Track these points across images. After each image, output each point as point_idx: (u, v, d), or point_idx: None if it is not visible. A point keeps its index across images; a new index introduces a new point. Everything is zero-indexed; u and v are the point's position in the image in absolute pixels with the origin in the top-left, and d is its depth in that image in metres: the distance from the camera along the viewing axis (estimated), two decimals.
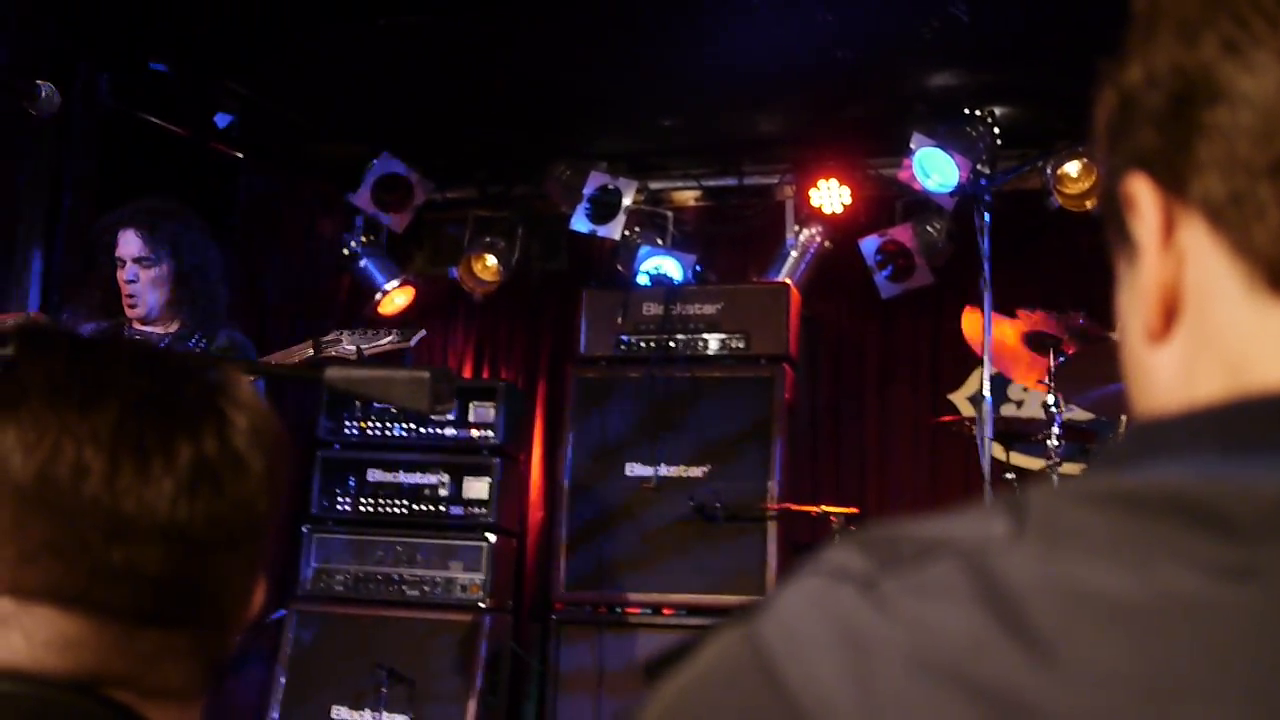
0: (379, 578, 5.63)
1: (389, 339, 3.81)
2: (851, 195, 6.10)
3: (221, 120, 5.81)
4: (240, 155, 6.33)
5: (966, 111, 5.62)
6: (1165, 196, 0.64)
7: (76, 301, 4.29)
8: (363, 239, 6.68)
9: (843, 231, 6.17)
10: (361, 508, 5.77)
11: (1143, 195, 0.65)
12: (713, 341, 5.65)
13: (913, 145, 5.56)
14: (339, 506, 5.78)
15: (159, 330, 4.15)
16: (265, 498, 1.03)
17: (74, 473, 0.95)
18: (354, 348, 3.78)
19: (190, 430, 0.99)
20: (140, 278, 4.08)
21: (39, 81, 3.02)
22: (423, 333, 3.96)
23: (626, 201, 6.21)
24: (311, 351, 3.87)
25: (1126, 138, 0.66)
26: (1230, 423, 0.59)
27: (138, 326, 4.16)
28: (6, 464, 0.96)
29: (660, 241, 6.34)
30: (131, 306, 4.11)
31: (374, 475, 5.81)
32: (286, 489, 1.10)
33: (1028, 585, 0.53)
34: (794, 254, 6.22)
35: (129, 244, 4.09)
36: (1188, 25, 0.63)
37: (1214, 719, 0.49)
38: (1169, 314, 0.64)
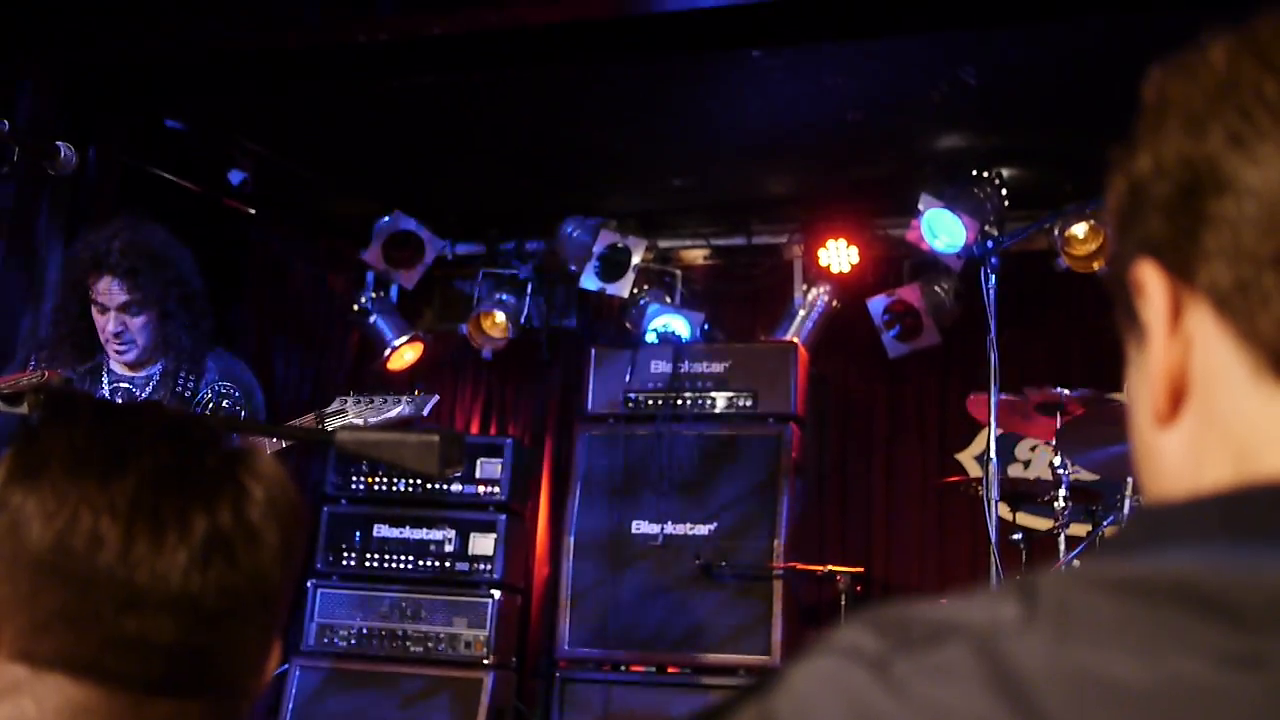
0: (383, 633, 5.60)
1: (398, 409, 3.52)
2: (859, 255, 6.13)
3: (235, 177, 5.84)
4: (253, 211, 6.38)
5: (974, 173, 5.66)
6: (1173, 283, 0.65)
7: (49, 345, 3.90)
8: (373, 295, 6.71)
9: (850, 291, 6.20)
10: (367, 563, 5.75)
11: (1151, 281, 0.66)
12: (720, 400, 5.65)
13: (921, 206, 5.60)
14: (344, 561, 5.77)
15: (141, 374, 3.86)
16: (279, 569, 1.03)
17: (89, 543, 0.97)
18: (361, 422, 3.50)
19: (206, 502, 1.00)
20: (128, 326, 3.77)
21: (58, 141, 3.05)
22: (435, 399, 3.64)
23: (636, 260, 6.24)
24: (314, 424, 3.59)
25: (1136, 225, 0.67)
26: (1237, 511, 0.60)
27: (116, 369, 3.87)
28: (25, 532, 0.97)
29: (669, 300, 6.36)
30: (120, 353, 3.80)
31: (380, 530, 5.80)
32: (302, 558, 1.11)
33: (1037, 670, 0.53)
34: (802, 313, 6.24)
35: (112, 293, 3.75)
36: (1194, 118, 0.64)
37: None
38: (1176, 398, 0.65)
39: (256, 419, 3.91)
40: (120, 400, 3.79)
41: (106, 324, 3.78)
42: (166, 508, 0.99)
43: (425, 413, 3.58)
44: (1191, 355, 0.65)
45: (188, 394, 3.83)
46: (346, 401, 3.59)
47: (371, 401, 3.58)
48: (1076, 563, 0.61)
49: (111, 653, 0.97)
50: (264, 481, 1.05)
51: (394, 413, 3.53)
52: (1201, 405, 0.65)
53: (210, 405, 3.83)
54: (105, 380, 3.86)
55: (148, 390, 3.85)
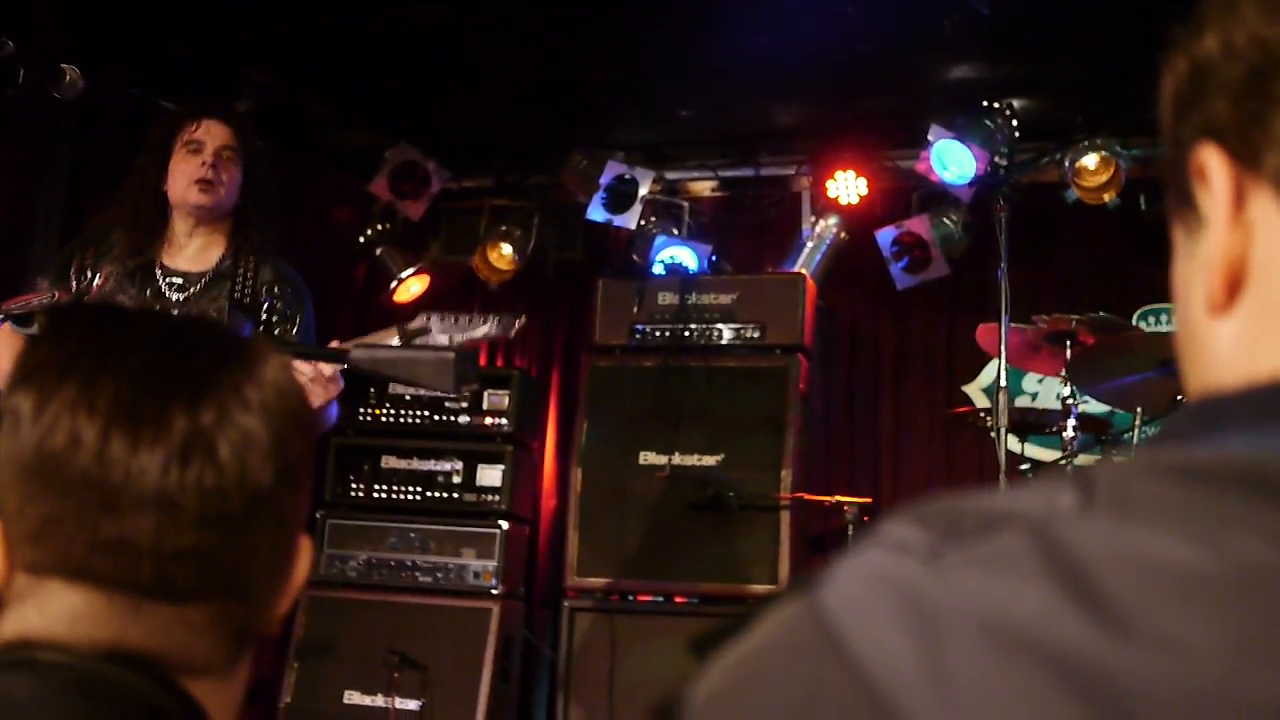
0: (392, 564, 5.63)
1: (485, 329, 3.34)
2: (868, 186, 6.09)
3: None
4: (259, 143, 6.32)
5: (985, 104, 5.61)
6: (1236, 169, 0.63)
7: (97, 238, 3.69)
8: (379, 227, 6.68)
9: (859, 223, 6.17)
10: (375, 494, 5.77)
11: (1214, 166, 0.64)
12: (727, 331, 5.64)
13: (930, 137, 5.55)
14: (352, 493, 5.79)
15: (195, 269, 3.66)
16: (271, 472, 1.00)
17: (68, 445, 0.96)
18: (446, 339, 3.33)
19: (188, 401, 0.98)
20: (220, 170, 3.61)
21: (63, 65, 3.01)
22: (523, 319, 3.44)
23: (643, 191, 6.20)
24: (397, 340, 3.36)
25: (1198, 108, 0.65)
26: None
27: (170, 264, 3.66)
28: (16, 439, 0.97)
29: (676, 231, 6.33)
30: (202, 191, 3.60)
31: (388, 461, 5.81)
32: (310, 466, 1.09)
33: (1098, 556, 0.52)
34: (810, 245, 6.21)
35: (214, 134, 3.62)
36: None
37: None
38: (1233, 286, 0.64)
39: (307, 324, 3.78)
40: (175, 295, 3.65)
41: (197, 164, 3.60)
42: (146, 407, 0.96)
43: (511, 334, 3.40)
44: (1252, 243, 0.63)
45: (246, 299, 3.69)
46: (431, 318, 3.41)
47: (457, 320, 3.40)
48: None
49: (99, 556, 0.96)
50: (258, 383, 1.01)
51: (481, 331, 3.37)
52: (1260, 294, 0.63)
53: (265, 307, 3.70)
54: (159, 275, 3.67)
55: (200, 286, 3.67)
